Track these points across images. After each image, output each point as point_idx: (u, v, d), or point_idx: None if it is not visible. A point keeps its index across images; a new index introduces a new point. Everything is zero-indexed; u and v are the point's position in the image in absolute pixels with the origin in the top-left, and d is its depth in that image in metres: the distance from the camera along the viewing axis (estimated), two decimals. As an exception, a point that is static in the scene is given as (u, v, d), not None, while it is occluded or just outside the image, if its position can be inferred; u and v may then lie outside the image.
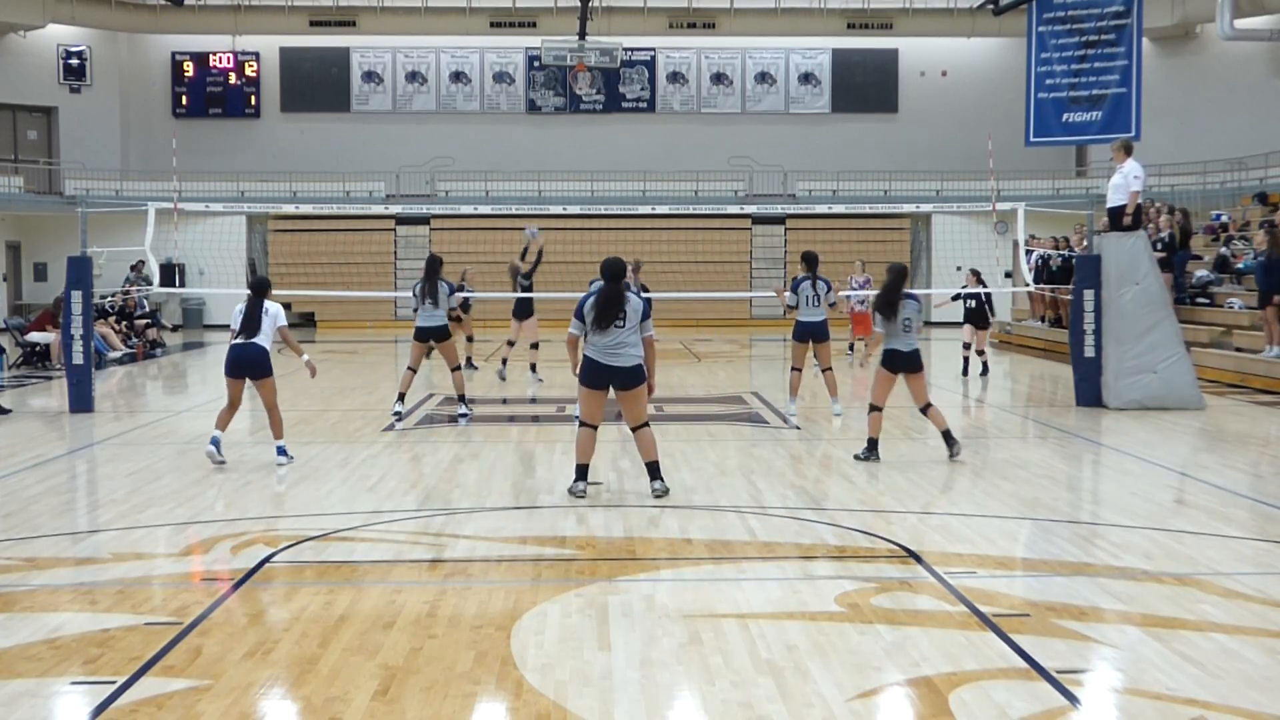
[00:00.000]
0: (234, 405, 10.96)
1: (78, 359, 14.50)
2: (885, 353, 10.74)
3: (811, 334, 13.55)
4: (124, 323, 24.50)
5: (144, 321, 25.83)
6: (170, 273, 30.60)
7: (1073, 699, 4.95)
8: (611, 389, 9.11)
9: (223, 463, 10.65)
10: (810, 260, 13.82)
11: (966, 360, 19.73)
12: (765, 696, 4.99)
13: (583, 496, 9.08)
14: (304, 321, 34.92)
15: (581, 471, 9.24)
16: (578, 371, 9.27)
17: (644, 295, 10.44)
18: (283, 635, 5.79)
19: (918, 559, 7.24)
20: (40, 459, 11.25)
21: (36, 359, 20.67)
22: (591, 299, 9.12)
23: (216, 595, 6.51)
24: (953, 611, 6.16)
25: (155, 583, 6.86)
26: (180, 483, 9.94)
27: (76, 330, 14.48)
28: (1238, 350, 18.03)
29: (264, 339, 10.69)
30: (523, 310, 18.48)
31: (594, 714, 4.83)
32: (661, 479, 9.23)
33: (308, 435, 12.63)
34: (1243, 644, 5.63)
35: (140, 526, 8.26)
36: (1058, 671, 5.23)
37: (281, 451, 10.78)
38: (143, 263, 30.21)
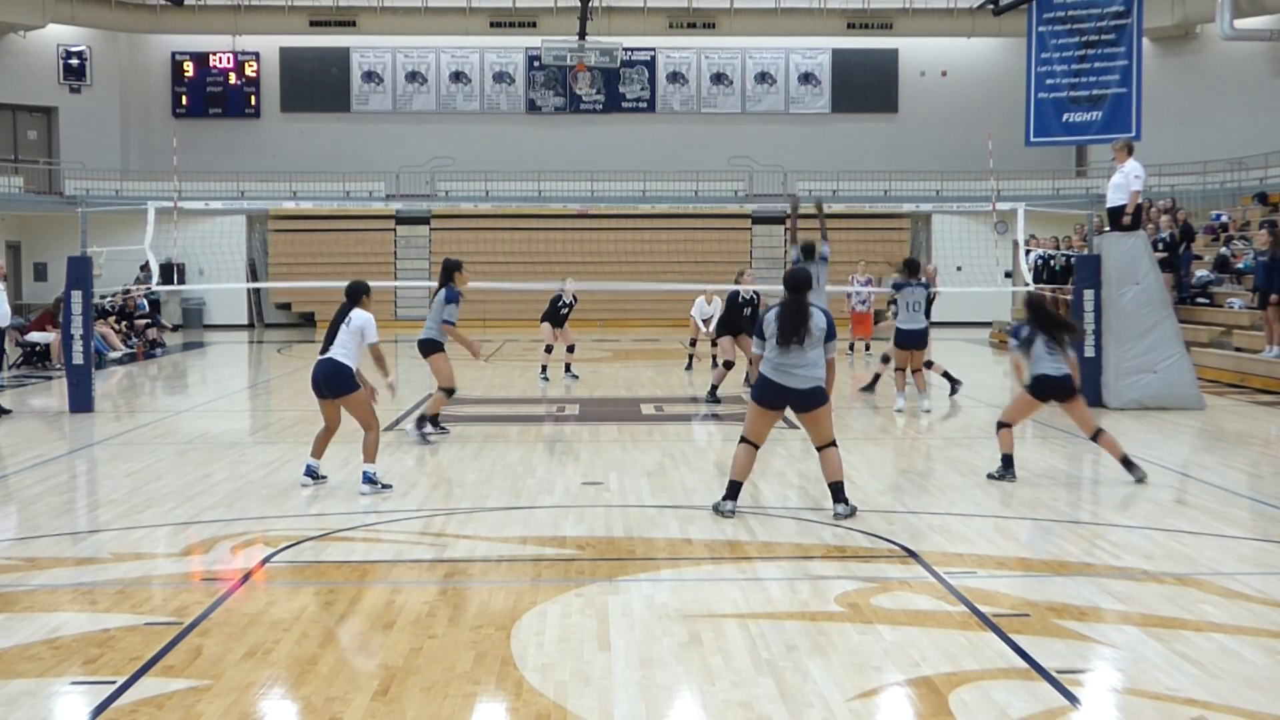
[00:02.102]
0: (328, 427, 9.71)
1: (78, 359, 14.51)
2: (1034, 379, 9.75)
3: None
4: (124, 323, 24.50)
5: (144, 321, 25.83)
6: (170, 272, 30.59)
7: (1073, 699, 4.95)
8: (791, 410, 8.48)
9: (316, 481, 9.68)
10: (808, 251, 13.90)
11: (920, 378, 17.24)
12: (765, 696, 4.99)
13: (730, 516, 8.36)
14: (304, 321, 34.94)
15: (733, 489, 8.50)
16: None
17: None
18: (283, 635, 5.79)
19: (918, 559, 7.23)
20: (40, 459, 11.25)
21: (36, 359, 20.68)
22: (773, 313, 8.44)
23: (216, 595, 6.51)
24: (953, 611, 6.16)
25: (155, 583, 6.86)
26: (180, 483, 9.93)
27: (76, 330, 14.49)
28: (1238, 350, 18.03)
29: (340, 352, 9.39)
30: (558, 321, 18.32)
31: (594, 714, 4.83)
32: (845, 501, 8.43)
33: (308, 435, 12.61)
34: (1243, 644, 5.63)
35: (140, 526, 8.26)
36: (1058, 671, 5.23)
37: (367, 479, 9.38)
38: (148, 261, 30.27)
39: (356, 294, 9.64)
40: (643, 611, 6.17)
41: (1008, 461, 9.91)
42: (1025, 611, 6.14)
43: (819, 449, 8.52)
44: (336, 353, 9.41)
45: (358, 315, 9.48)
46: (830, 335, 8.43)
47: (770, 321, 8.39)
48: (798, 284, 8.45)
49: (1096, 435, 9.82)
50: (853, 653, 5.51)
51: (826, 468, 8.50)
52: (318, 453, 9.77)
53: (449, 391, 12.19)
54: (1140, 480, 9.64)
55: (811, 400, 8.33)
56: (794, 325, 8.30)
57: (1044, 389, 9.69)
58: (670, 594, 6.55)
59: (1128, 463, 9.74)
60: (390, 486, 9.46)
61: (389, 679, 5.21)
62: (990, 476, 9.94)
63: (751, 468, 8.60)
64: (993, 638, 5.71)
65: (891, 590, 6.58)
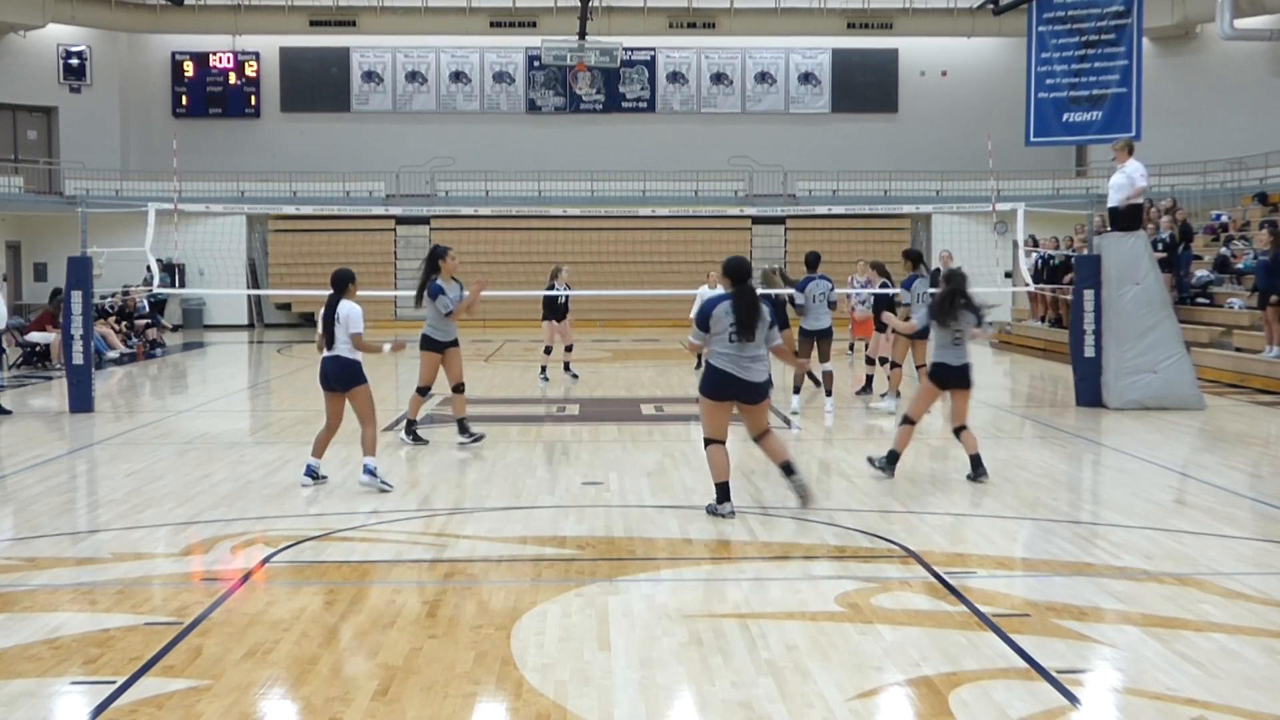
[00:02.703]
0: (330, 425, 9.69)
1: (78, 359, 14.50)
2: (934, 366, 9.82)
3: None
4: (124, 323, 24.49)
5: (144, 321, 25.82)
6: (170, 273, 30.60)
7: (1073, 699, 4.95)
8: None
9: (317, 482, 9.64)
10: (811, 261, 13.91)
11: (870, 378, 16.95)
12: (765, 696, 4.99)
13: (731, 517, 8.29)
14: (304, 321, 34.93)
15: (723, 491, 8.40)
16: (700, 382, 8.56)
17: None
18: (283, 635, 5.79)
19: (918, 559, 7.23)
20: (40, 459, 11.25)
21: (36, 359, 20.68)
22: (726, 304, 8.25)
23: (216, 595, 6.51)
24: (953, 611, 6.16)
25: (155, 583, 6.86)
26: (180, 483, 9.93)
27: (76, 330, 14.48)
28: (1238, 350, 18.03)
29: (344, 349, 9.41)
30: (558, 313, 18.14)
31: (594, 714, 4.83)
32: (797, 471, 8.57)
33: (308, 435, 12.61)
34: (1243, 644, 5.63)
35: (140, 526, 8.26)
36: (1058, 671, 5.23)
37: (368, 471, 9.41)
38: (158, 261, 30.31)
39: (342, 283, 9.52)
40: (643, 611, 6.17)
41: (892, 457, 9.91)
42: (1025, 611, 6.14)
43: (759, 437, 8.55)
44: (340, 350, 9.41)
45: (343, 308, 9.40)
46: (775, 323, 8.41)
47: (723, 315, 8.22)
48: (741, 273, 8.32)
49: (960, 430, 9.86)
50: (853, 653, 5.51)
51: (774, 451, 8.56)
52: (318, 452, 9.73)
53: (420, 390, 11.78)
54: (977, 479, 9.62)
55: (762, 393, 8.38)
56: (749, 317, 8.18)
57: (944, 378, 9.76)
58: (670, 594, 6.55)
59: (976, 460, 9.73)
60: (391, 488, 9.42)
61: (389, 679, 5.21)
62: (871, 461, 10.05)
63: (729, 464, 8.52)
64: (993, 638, 5.71)
65: (891, 590, 6.58)
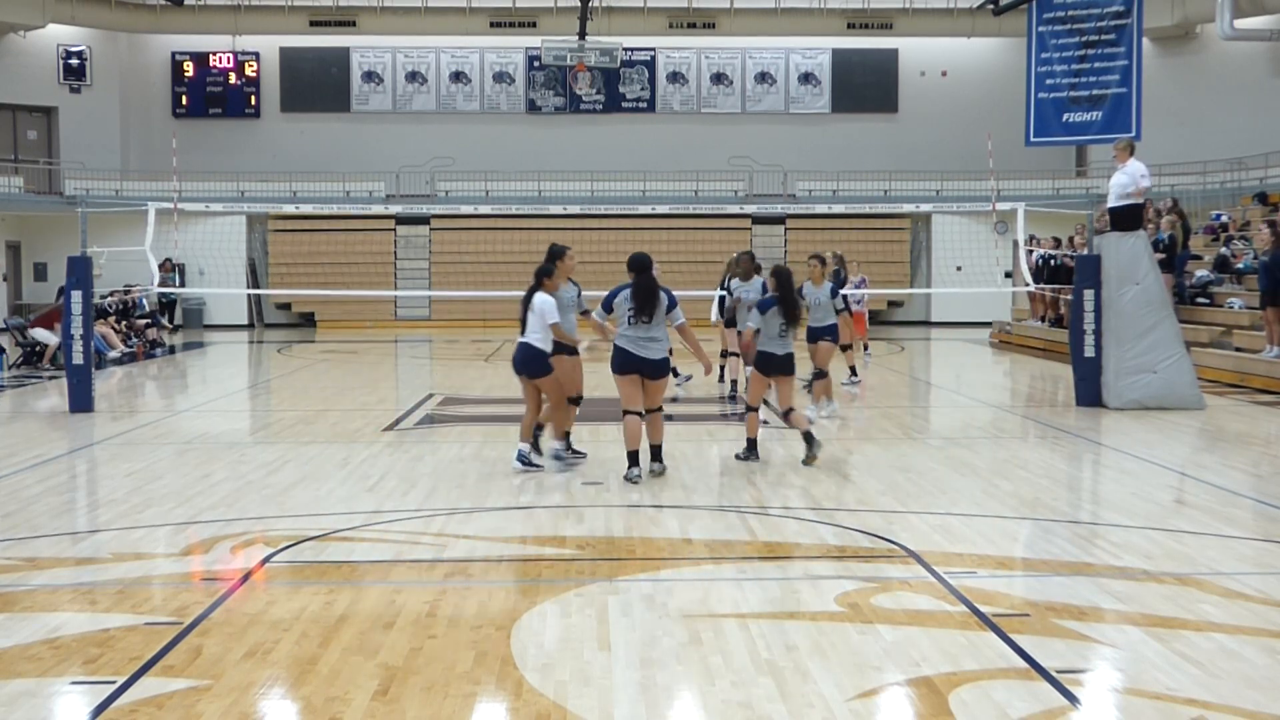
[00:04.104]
0: (530, 408, 10.28)
1: (78, 359, 14.50)
2: (761, 355, 10.54)
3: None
4: (124, 322, 24.50)
5: (144, 321, 25.83)
6: (175, 273, 30.64)
7: (1073, 699, 4.95)
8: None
9: (529, 469, 10.09)
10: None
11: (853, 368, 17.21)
12: (765, 696, 4.99)
13: (638, 481, 9.54)
14: (304, 321, 34.95)
15: (633, 458, 9.71)
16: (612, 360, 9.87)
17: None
18: (283, 635, 5.79)
19: (918, 559, 7.23)
20: (40, 459, 11.25)
21: (37, 359, 20.69)
22: (625, 293, 9.76)
23: (216, 595, 6.51)
24: (953, 611, 6.16)
25: (155, 583, 6.86)
26: (180, 483, 9.93)
27: (76, 330, 14.48)
28: (1238, 350, 18.03)
29: (534, 337, 9.98)
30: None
31: (594, 714, 4.83)
32: (662, 460, 9.97)
33: (308, 435, 12.63)
34: (1243, 644, 5.63)
35: (140, 526, 8.26)
36: (1058, 671, 5.23)
37: (520, 457, 10.11)
38: (169, 260, 30.46)
39: (541, 276, 10.15)
40: (643, 611, 6.17)
41: (751, 445, 10.67)
42: (1025, 611, 6.14)
43: (648, 412, 9.86)
44: (531, 337, 10.03)
45: (538, 299, 10.00)
46: (672, 306, 9.82)
47: (623, 301, 9.75)
48: (641, 266, 9.79)
49: (787, 413, 10.68)
50: (853, 653, 5.51)
51: (654, 430, 9.92)
52: (526, 435, 10.28)
53: (571, 399, 10.74)
54: (809, 458, 10.34)
55: (661, 369, 9.91)
56: (645, 302, 9.70)
57: (769, 366, 10.51)
58: (670, 594, 6.55)
59: (809, 438, 10.47)
60: (541, 467, 10.20)
61: (389, 679, 5.21)
62: (737, 457, 10.72)
63: (642, 434, 9.78)
64: (993, 638, 5.71)
65: (891, 590, 6.58)
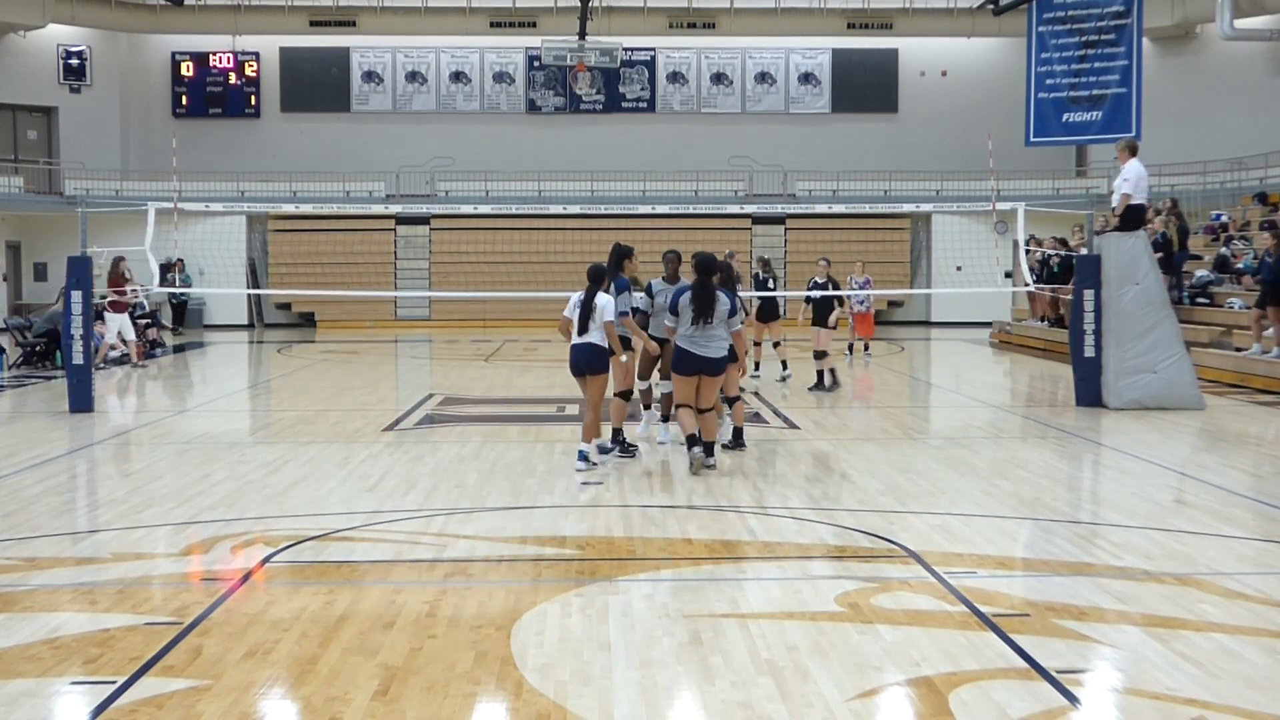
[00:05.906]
0: (589, 407, 10.54)
1: (78, 359, 14.50)
2: (680, 354, 10.14)
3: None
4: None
5: (144, 321, 25.81)
6: (169, 273, 30.60)
7: (1073, 699, 4.95)
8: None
9: (590, 466, 10.27)
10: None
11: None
12: (765, 696, 4.99)
13: (703, 458, 9.96)
14: (304, 321, 34.94)
15: (692, 440, 10.02)
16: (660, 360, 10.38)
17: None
18: (283, 635, 5.79)
19: (918, 559, 7.23)
20: (40, 459, 11.25)
21: (36, 359, 20.69)
22: (686, 295, 9.96)
23: (216, 595, 6.51)
24: (953, 611, 6.16)
25: (155, 583, 6.87)
26: (180, 483, 9.93)
27: (76, 330, 14.48)
28: (1238, 350, 18.03)
29: (596, 336, 10.24)
30: (768, 313, 17.66)
31: (594, 714, 4.83)
32: (714, 455, 10.14)
33: (308, 435, 12.63)
34: (1243, 644, 5.63)
35: (140, 526, 8.26)
36: (1058, 671, 5.23)
37: (581, 456, 10.29)
38: (181, 261, 30.47)
39: (599, 277, 10.33)
40: (643, 611, 6.17)
41: (691, 440, 10.21)
42: (1025, 611, 6.14)
43: (703, 411, 10.11)
44: (593, 336, 10.23)
45: (600, 299, 10.22)
46: (733, 312, 10.02)
47: (685, 303, 9.95)
48: (705, 268, 9.96)
49: (723, 405, 11.07)
50: (853, 653, 5.51)
51: (708, 427, 10.13)
52: (586, 435, 10.44)
53: (623, 395, 11.18)
54: (732, 446, 10.99)
55: (720, 367, 10.04)
56: (702, 307, 9.88)
57: (693, 365, 10.18)
58: (670, 594, 6.56)
59: (738, 433, 11.15)
60: (603, 463, 10.49)
61: (389, 679, 5.21)
62: (725, 446, 10.98)
63: (695, 422, 10.05)
64: (993, 638, 5.71)
65: (891, 590, 6.58)
